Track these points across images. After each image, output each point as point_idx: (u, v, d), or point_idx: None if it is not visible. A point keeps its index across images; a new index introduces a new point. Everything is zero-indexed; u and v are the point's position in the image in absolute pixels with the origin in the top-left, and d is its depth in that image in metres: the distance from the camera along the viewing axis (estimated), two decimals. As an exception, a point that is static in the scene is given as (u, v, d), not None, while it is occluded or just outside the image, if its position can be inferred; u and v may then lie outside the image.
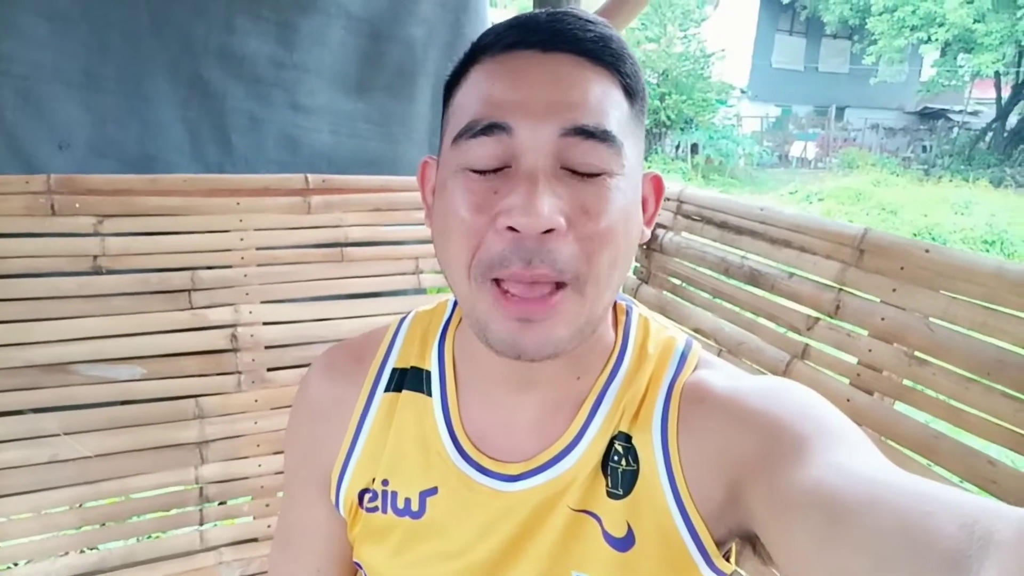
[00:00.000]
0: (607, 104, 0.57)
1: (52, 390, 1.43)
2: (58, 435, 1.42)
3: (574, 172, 0.56)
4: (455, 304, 0.75)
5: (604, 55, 0.57)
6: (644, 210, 0.64)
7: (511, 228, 0.54)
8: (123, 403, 1.48)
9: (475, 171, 0.57)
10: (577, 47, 0.57)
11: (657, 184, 0.67)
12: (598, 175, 0.56)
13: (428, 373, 0.71)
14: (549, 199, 0.53)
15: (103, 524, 1.50)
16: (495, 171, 0.56)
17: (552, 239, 0.54)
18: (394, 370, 0.73)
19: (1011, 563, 0.36)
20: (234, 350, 1.56)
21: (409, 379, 0.72)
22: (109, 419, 1.47)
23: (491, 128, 0.55)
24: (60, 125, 1.53)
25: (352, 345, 0.78)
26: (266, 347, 1.59)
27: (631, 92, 0.59)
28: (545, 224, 0.53)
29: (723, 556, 0.63)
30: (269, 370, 1.60)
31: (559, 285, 0.56)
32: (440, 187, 0.61)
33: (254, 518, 1.60)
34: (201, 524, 1.55)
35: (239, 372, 1.57)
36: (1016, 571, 0.35)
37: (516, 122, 0.55)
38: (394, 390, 0.72)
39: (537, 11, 0.60)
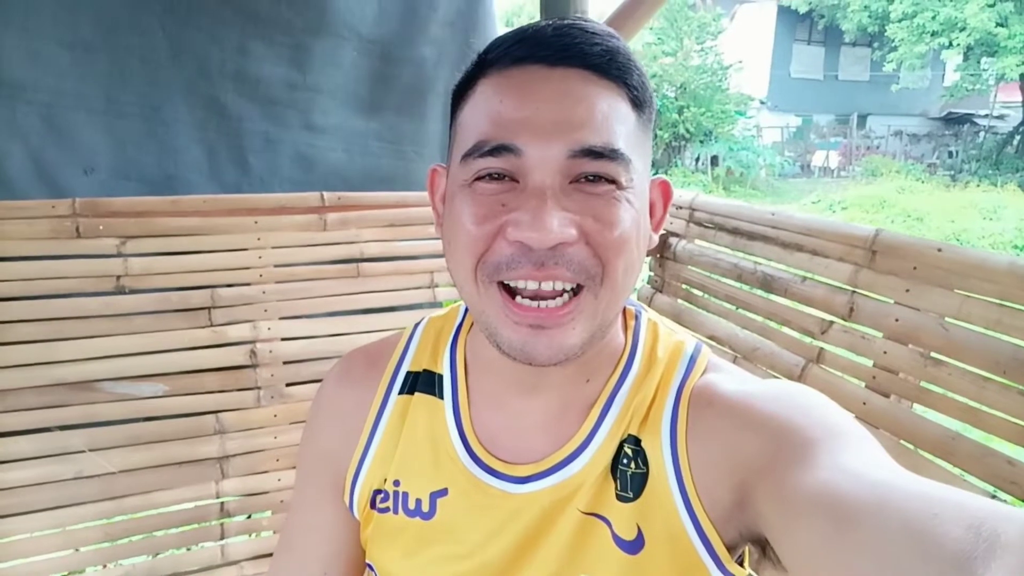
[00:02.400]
0: (614, 120, 0.57)
1: (77, 407, 1.46)
2: (83, 451, 1.45)
3: (582, 187, 0.57)
4: (467, 309, 0.76)
5: (611, 68, 0.58)
6: (652, 215, 0.65)
7: (520, 242, 0.55)
8: (146, 419, 1.51)
9: (484, 185, 0.58)
10: (584, 61, 0.57)
11: (665, 189, 0.67)
12: (606, 189, 0.57)
13: (440, 376, 0.73)
14: (558, 214, 0.55)
15: (128, 539, 1.53)
16: (503, 182, 0.57)
17: (565, 247, 0.55)
18: (408, 373, 0.75)
19: (1017, 564, 0.35)
20: (253, 366, 1.59)
21: (422, 382, 0.73)
22: (132, 435, 1.50)
23: (499, 150, 0.56)
24: (84, 150, 1.59)
25: (368, 350, 0.80)
26: (284, 362, 1.62)
27: (638, 103, 0.60)
28: (554, 239, 0.54)
29: (736, 561, 0.63)
30: (288, 385, 1.62)
31: (575, 290, 0.57)
32: (449, 199, 0.63)
33: (274, 532, 1.62)
34: (222, 538, 1.57)
35: (258, 387, 1.60)
36: (1022, 573, 0.35)
37: (525, 143, 0.56)
38: (407, 393, 0.73)
39: (544, 24, 0.60)
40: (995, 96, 20.66)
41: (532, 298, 0.57)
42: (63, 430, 1.45)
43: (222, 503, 1.56)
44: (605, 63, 0.58)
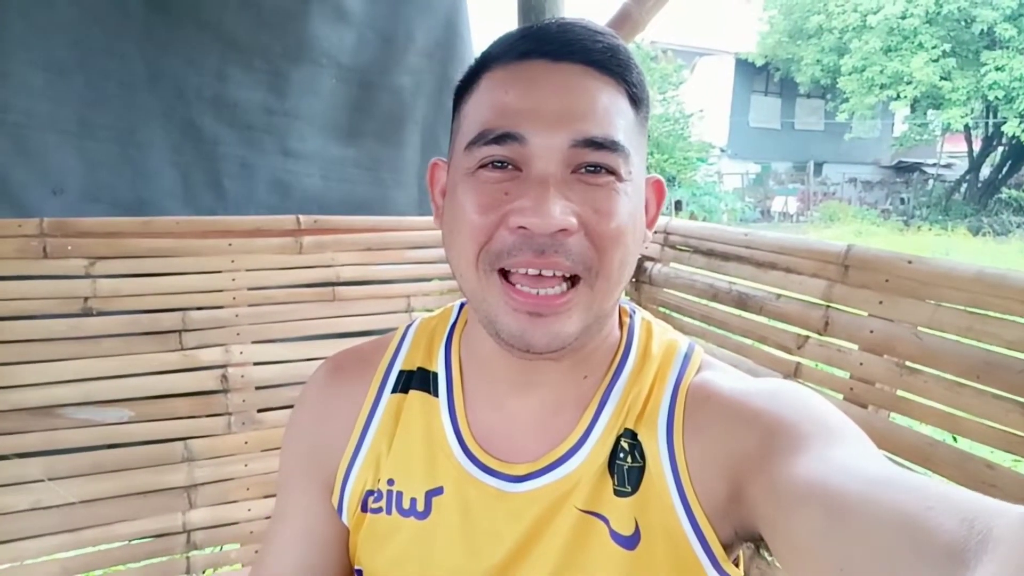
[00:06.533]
0: (614, 113, 0.59)
1: (37, 434, 1.40)
2: (42, 481, 1.39)
3: (583, 178, 0.58)
4: (461, 307, 0.76)
5: (612, 65, 0.60)
6: (646, 212, 0.66)
7: (522, 227, 0.56)
8: (109, 447, 1.45)
9: (487, 173, 0.59)
10: (586, 57, 0.59)
11: (658, 188, 0.69)
12: (606, 181, 0.58)
13: (435, 375, 0.72)
14: (560, 202, 0.56)
15: (87, 574, 1.45)
16: (505, 171, 0.58)
17: (564, 235, 0.56)
18: (401, 372, 0.73)
19: (1009, 558, 0.35)
20: (224, 391, 1.55)
21: (416, 380, 0.72)
22: (95, 464, 1.44)
23: (504, 138, 0.57)
24: (53, 171, 1.55)
25: (358, 349, 0.78)
26: (257, 388, 1.58)
27: (636, 100, 0.62)
28: (556, 225, 0.55)
29: (732, 562, 0.62)
30: (260, 411, 1.58)
31: (572, 281, 0.58)
32: (451, 189, 0.63)
33: (242, 565, 1.55)
34: (188, 573, 1.50)
35: (229, 413, 1.55)
36: (1014, 567, 0.35)
37: (528, 131, 0.57)
38: (401, 391, 0.72)
39: (548, 21, 0.62)
40: (942, 146, 21.66)
41: (532, 286, 0.57)
42: (21, 458, 1.38)
43: (189, 534, 1.49)
44: (606, 59, 0.60)
